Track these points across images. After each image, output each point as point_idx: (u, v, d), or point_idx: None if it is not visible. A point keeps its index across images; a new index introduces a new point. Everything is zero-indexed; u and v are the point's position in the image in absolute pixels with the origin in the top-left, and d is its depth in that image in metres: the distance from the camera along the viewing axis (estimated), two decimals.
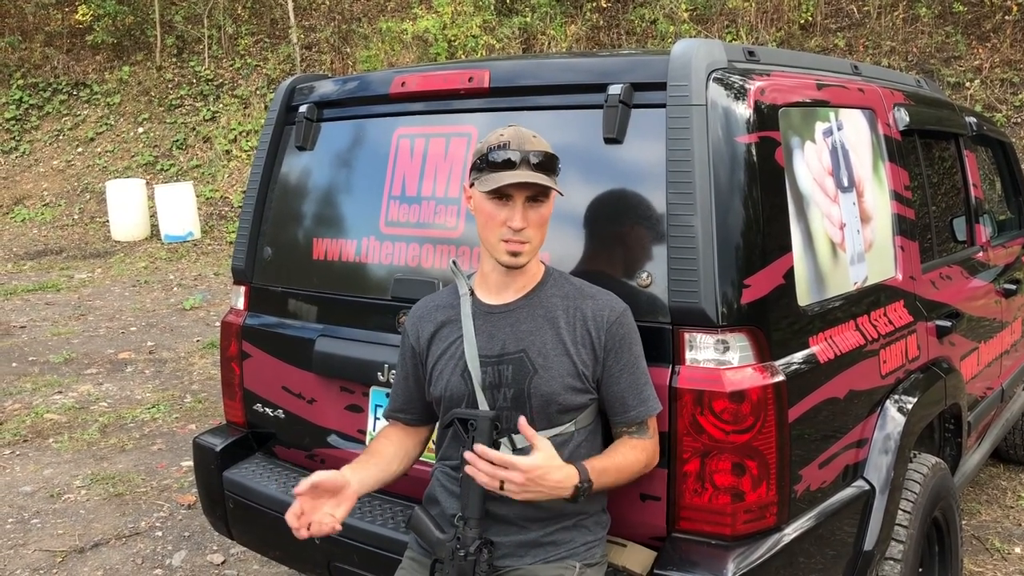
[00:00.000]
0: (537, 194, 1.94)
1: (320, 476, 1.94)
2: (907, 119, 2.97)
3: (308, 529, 1.94)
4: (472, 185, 2.00)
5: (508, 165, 1.91)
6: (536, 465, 1.85)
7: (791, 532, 2.13)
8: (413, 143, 2.55)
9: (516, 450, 2.00)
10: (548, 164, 1.94)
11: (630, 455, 1.99)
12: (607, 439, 2.08)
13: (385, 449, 2.18)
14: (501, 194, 1.93)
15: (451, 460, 2.09)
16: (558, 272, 2.10)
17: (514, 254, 1.95)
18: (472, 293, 2.09)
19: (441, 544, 1.99)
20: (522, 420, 1.89)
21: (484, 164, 1.95)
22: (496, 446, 1.97)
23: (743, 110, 2.13)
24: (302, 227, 2.81)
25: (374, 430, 2.61)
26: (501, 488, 1.86)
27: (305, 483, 1.93)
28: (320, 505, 1.95)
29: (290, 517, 1.93)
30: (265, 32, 16.16)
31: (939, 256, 3.18)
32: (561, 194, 1.98)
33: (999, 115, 10.29)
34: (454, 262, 2.17)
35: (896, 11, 11.54)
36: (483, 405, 2.00)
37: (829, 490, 2.30)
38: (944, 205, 3.43)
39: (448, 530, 2.01)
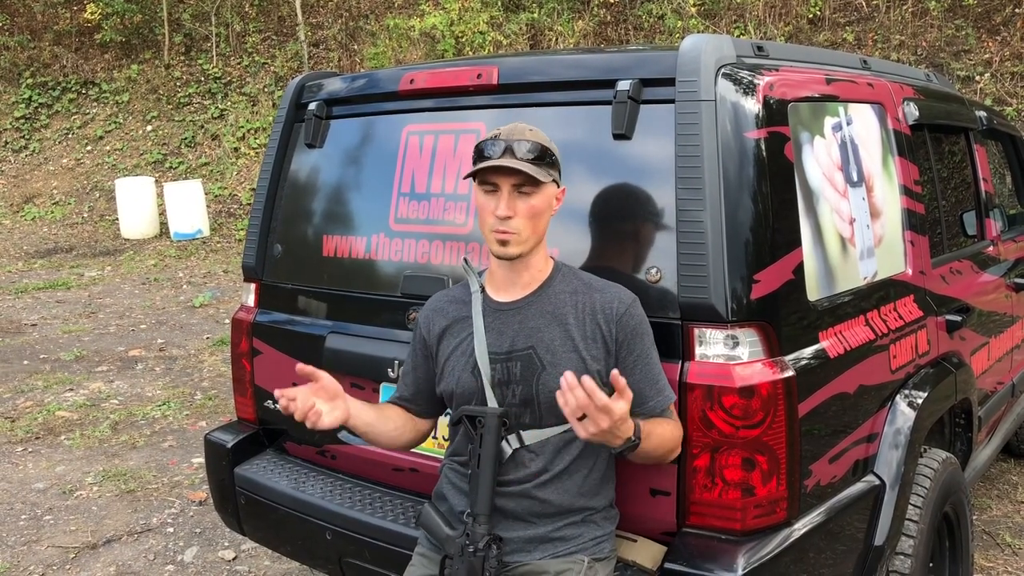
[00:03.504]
0: (524, 183, 1.95)
1: (322, 374, 2.02)
2: (917, 113, 2.96)
3: (295, 410, 1.98)
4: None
5: (492, 156, 1.94)
6: (624, 412, 1.77)
7: (801, 527, 2.13)
8: (422, 140, 2.56)
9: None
10: (538, 156, 1.94)
11: (668, 428, 1.98)
12: None
13: (389, 412, 2.20)
14: (490, 184, 1.96)
15: (460, 456, 2.10)
16: (567, 267, 2.10)
17: (503, 243, 1.96)
18: (483, 290, 2.10)
19: (451, 540, 2.00)
20: (615, 372, 1.78)
21: (478, 156, 1.98)
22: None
23: (752, 105, 2.13)
24: (312, 224, 2.82)
25: None
26: (581, 418, 1.76)
27: (308, 369, 2.00)
28: (313, 402, 2.00)
29: (279, 394, 1.98)
30: (273, 30, 16.18)
31: (949, 251, 3.17)
32: (543, 181, 1.95)
33: (1009, 109, 10.24)
34: (466, 260, 2.18)
35: (905, 5, 11.48)
36: (492, 402, 2.01)
37: (839, 485, 2.30)
38: (954, 199, 3.42)
39: (457, 526, 2.02)
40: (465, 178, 1.99)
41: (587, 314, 2.01)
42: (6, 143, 15.91)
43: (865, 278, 2.51)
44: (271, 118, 14.06)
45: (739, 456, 2.03)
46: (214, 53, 15.89)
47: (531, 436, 2.01)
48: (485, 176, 1.96)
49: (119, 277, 10.79)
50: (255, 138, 14.51)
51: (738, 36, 10.32)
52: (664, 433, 1.97)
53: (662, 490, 2.10)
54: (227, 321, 8.05)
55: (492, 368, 2.01)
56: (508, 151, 1.93)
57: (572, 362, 1.98)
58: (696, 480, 2.06)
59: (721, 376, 2.02)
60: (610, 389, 1.99)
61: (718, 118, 2.07)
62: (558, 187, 2.03)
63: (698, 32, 8.13)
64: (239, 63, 15.79)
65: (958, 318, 2.96)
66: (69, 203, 14.50)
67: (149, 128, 15.38)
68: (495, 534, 1.97)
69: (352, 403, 2.07)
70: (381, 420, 2.16)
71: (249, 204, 13.10)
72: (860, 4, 11.94)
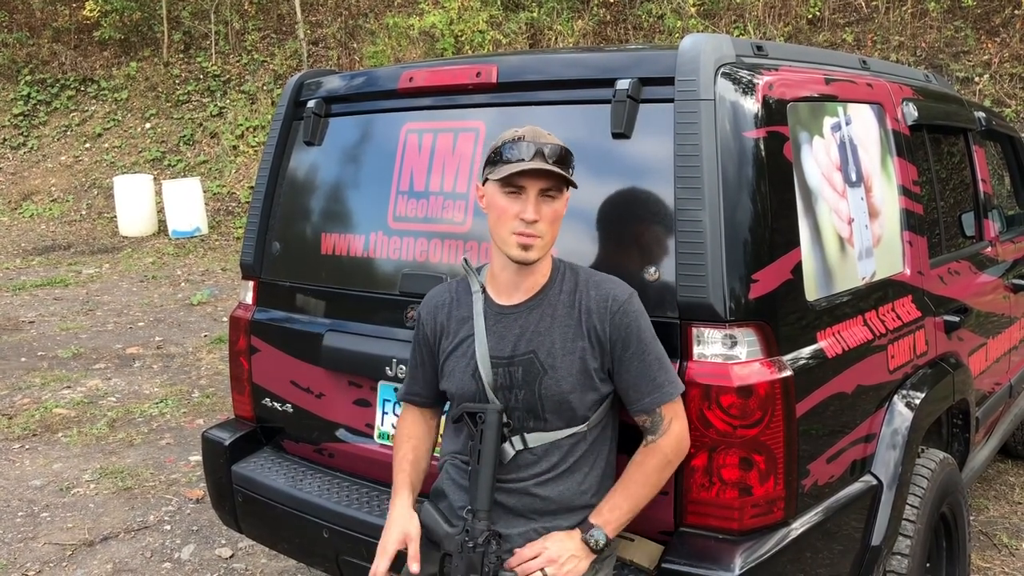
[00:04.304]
0: (551, 188, 1.94)
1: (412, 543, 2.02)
2: (916, 114, 2.96)
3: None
4: (485, 182, 2.00)
5: (522, 158, 1.91)
6: (555, 550, 1.94)
7: (799, 527, 2.13)
8: (421, 138, 2.56)
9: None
10: (562, 159, 1.93)
11: (638, 473, 1.99)
12: (621, 436, 2.08)
13: (421, 451, 2.22)
14: (514, 187, 1.93)
15: (461, 454, 2.10)
16: (566, 265, 2.08)
17: (525, 248, 1.94)
18: (483, 290, 2.09)
19: (450, 538, 2.00)
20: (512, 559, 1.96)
21: (498, 158, 1.95)
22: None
23: (751, 105, 2.13)
24: (310, 222, 2.82)
25: (382, 424, 2.62)
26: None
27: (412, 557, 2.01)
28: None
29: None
30: (272, 28, 16.16)
31: (948, 251, 3.17)
32: (575, 186, 1.98)
33: (1008, 110, 10.24)
34: (466, 260, 2.17)
35: (904, 5, 11.48)
36: (493, 402, 2.00)
37: (837, 485, 2.30)
38: (953, 200, 3.42)
39: (456, 523, 2.02)
40: (497, 180, 1.94)
41: (583, 312, 2.00)
42: (4, 140, 15.89)
43: (863, 278, 2.51)
44: (270, 116, 14.02)
45: (737, 456, 2.03)
46: (213, 51, 15.87)
47: (536, 439, 2.01)
48: (513, 179, 1.93)
49: (117, 275, 10.77)
50: (254, 136, 14.50)
51: (737, 36, 10.31)
52: (635, 486, 1.98)
53: (660, 489, 2.10)
54: (225, 319, 8.04)
55: (494, 372, 2.01)
56: (539, 154, 1.90)
57: (572, 363, 1.98)
58: (694, 479, 2.06)
59: (719, 375, 2.02)
60: (610, 386, 2.01)
61: (717, 117, 2.07)
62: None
63: (697, 32, 8.14)
64: (238, 61, 15.77)
65: (956, 319, 2.96)
66: (67, 200, 14.49)
67: (148, 126, 15.37)
68: (494, 530, 1.97)
69: (412, 507, 2.11)
70: (426, 466, 2.23)
71: (247, 202, 13.09)
72: (859, 5, 11.94)
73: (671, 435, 1.98)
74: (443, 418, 2.30)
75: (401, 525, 2.04)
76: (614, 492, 2.00)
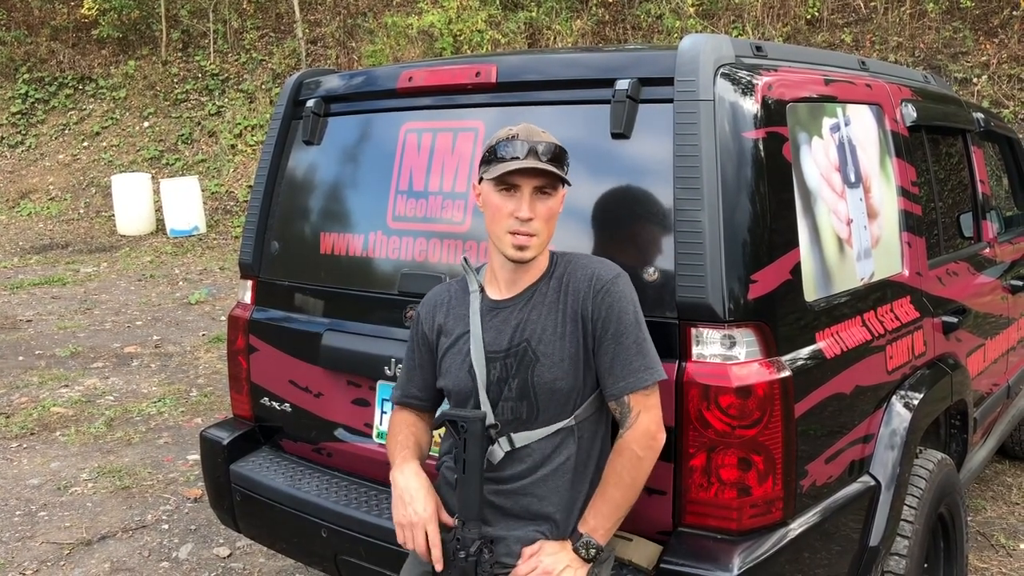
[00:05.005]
0: (545, 185, 1.94)
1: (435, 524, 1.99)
2: (914, 115, 2.96)
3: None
4: (481, 181, 2.00)
5: (516, 156, 1.92)
6: (549, 562, 1.92)
7: (797, 527, 2.14)
8: (420, 138, 2.56)
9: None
10: (557, 157, 1.93)
11: (611, 474, 1.96)
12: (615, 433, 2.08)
13: (420, 435, 2.19)
14: (509, 185, 1.93)
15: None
16: (559, 255, 2.07)
17: (520, 248, 1.93)
18: (481, 289, 2.09)
19: (443, 545, 1.98)
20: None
21: (492, 156, 1.95)
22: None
23: (751, 105, 2.13)
24: (309, 221, 2.82)
25: (381, 424, 2.62)
26: None
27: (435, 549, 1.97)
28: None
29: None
30: (270, 27, 16.15)
31: (946, 252, 3.17)
32: (568, 184, 1.98)
33: (1007, 111, 10.25)
34: (465, 259, 2.17)
35: (903, 6, 11.49)
36: (484, 404, 1.99)
37: (835, 485, 2.30)
38: (951, 201, 3.43)
39: (449, 528, 2.01)
40: (491, 178, 1.94)
41: (571, 295, 1.99)
42: (2, 138, 15.87)
43: (862, 279, 2.51)
44: (268, 115, 14.04)
45: (735, 456, 2.03)
46: (212, 50, 15.86)
47: (523, 438, 2.00)
48: (507, 177, 1.93)
49: (115, 273, 10.77)
50: (252, 135, 14.48)
51: (736, 36, 10.31)
52: (615, 489, 1.95)
53: (658, 489, 2.10)
54: (223, 318, 8.04)
55: (490, 367, 2.00)
56: (532, 152, 1.90)
57: (562, 349, 1.97)
58: (692, 480, 2.06)
59: (718, 376, 2.02)
60: (594, 374, 1.99)
61: (716, 118, 2.07)
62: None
63: (696, 32, 8.15)
64: (237, 60, 15.76)
65: (954, 319, 2.96)
66: (65, 199, 14.47)
67: (146, 124, 15.35)
68: (487, 537, 1.96)
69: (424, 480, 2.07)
70: (423, 455, 2.18)
71: (246, 201, 13.08)
72: (858, 5, 11.95)
73: (637, 429, 1.93)
74: None
75: (427, 488, 2.01)
76: (595, 496, 1.98)
